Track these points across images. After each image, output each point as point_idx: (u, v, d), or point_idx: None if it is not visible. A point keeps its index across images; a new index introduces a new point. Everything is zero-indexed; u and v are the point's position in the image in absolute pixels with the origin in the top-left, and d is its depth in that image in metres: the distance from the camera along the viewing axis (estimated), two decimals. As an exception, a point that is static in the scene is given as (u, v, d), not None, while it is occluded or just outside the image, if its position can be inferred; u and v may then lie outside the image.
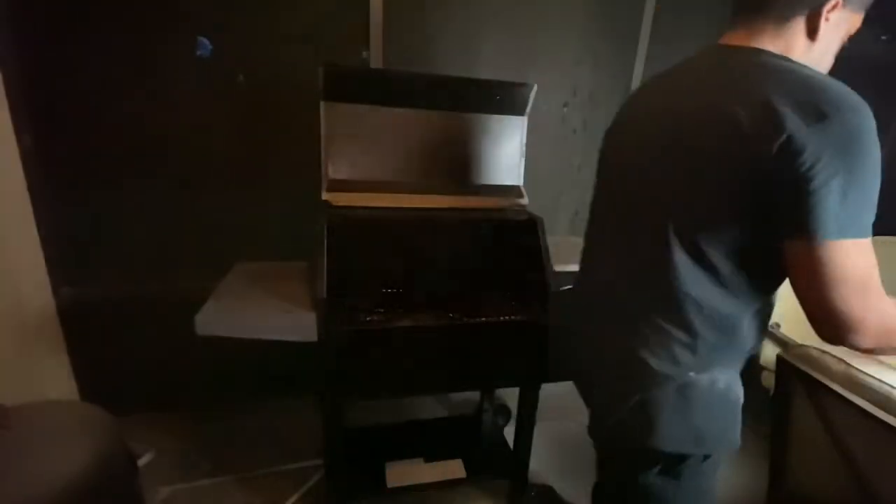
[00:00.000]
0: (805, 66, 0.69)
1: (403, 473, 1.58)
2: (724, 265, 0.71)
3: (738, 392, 0.82)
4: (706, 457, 0.83)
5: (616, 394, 0.82)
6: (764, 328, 0.83)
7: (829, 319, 0.65)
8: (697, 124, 0.71)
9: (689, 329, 0.75)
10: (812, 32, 0.72)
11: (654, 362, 0.77)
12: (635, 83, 2.15)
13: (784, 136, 0.60)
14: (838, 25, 0.74)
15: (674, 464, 0.82)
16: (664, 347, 0.77)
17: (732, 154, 0.66)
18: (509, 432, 1.72)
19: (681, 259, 0.73)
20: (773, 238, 0.67)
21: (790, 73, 0.67)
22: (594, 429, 0.92)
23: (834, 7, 0.70)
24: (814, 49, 0.73)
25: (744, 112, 0.64)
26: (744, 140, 0.64)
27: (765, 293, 0.77)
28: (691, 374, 0.77)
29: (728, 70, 0.73)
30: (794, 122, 0.60)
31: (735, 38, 0.75)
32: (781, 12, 0.71)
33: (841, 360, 1.08)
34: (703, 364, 0.77)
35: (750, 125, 0.63)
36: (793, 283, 0.68)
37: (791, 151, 0.60)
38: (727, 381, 0.80)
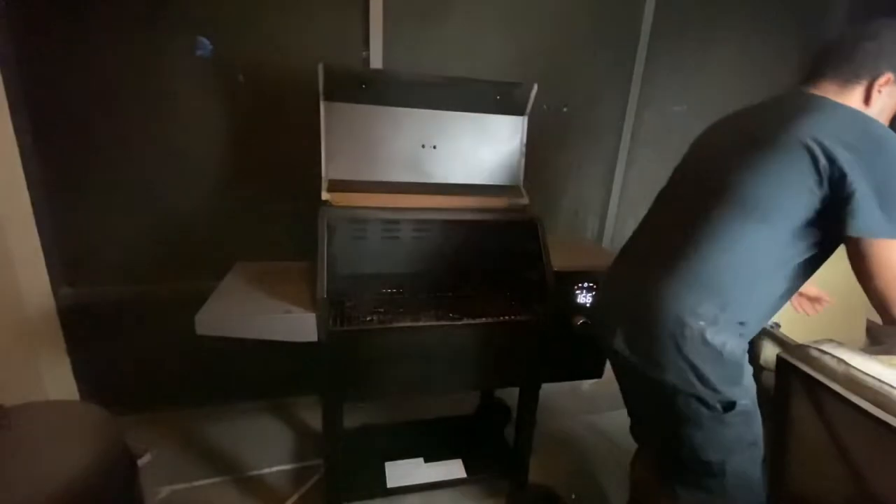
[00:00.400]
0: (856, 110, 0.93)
1: (403, 473, 1.58)
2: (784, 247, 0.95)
3: (736, 348, 0.98)
4: (728, 406, 0.98)
5: (644, 328, 1.01)
6: (776, 310, 1.06)
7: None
8: (774, 138, 0.93)
9: (721, 293, 0.96)
10: (867, 99, 0.96)
11: (682, 309, 0.96)
12: (635, 83, 2.15)
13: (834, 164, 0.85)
14: (890, 96, 0.96)
15: (692, 403, 0.98)
16: (698, 303, 0.95)
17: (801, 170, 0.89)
18: (509, 432, 1.72)
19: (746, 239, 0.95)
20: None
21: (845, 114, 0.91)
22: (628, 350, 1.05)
23: (886, 83, 0.94)
24: (869, 112, 0.95)
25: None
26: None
27: (802, 277, 1.01)
28: (701, 323, 0.95)
29: (802, 103, 0.96)
30: (842, 154, 0.84)
31: (809, 89, 1.00)
32: (846, 79, 0.96)
33: (841, 360, 1.08)
34: (718, 325, 0.95)
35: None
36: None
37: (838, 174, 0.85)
38: (724, 340, 0.96)
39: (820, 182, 0.87)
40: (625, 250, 1.21)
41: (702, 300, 0.96)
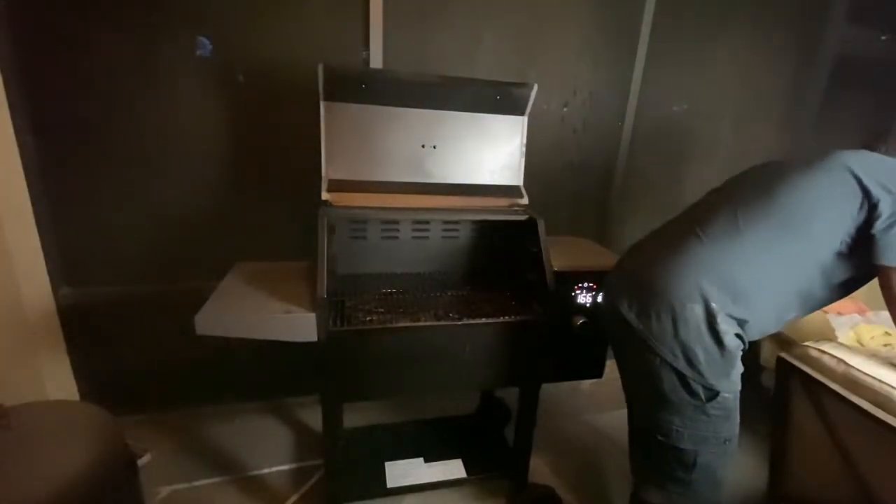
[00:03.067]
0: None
1: (403, 473, 1.58)
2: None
3: (732, 342, 1.01)
4: (711, 396, 1.02)
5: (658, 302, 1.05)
6: (778, 325, 1.12)
7: None
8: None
9: (735, 287, 1.02)
10: None
11: (692, 289, 1.01)
12: (635, 83, 2.16)
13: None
14: None
15: (676, 385, 1.03)
16: (710, 288, 1.00)
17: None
18: (509, 432, 1.72)
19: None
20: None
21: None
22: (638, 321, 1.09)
23: None
24: None
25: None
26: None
27: (814, 306, 1.10)
28: (714, 305, 0.99)
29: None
30: (875, 189, 0.97)
31: None
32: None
33: (841, 360, 1.08)
34: (723, 315, 1.00)
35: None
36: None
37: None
38: (725, 329, 1.00)
39: (860, 208, 0.97)
40: (654, 233, 1.26)
41: (715, 287, 1.00)
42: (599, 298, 1.35)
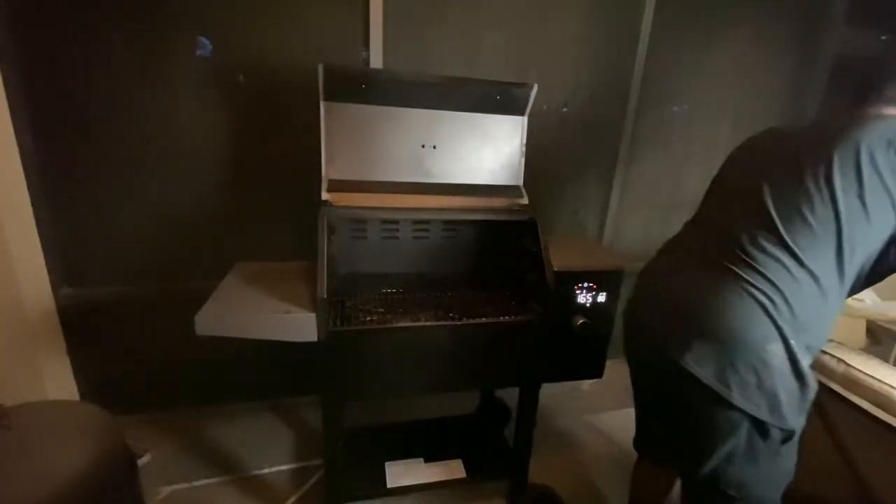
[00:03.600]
0: None
1: (403, 473, 1.58)
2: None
3: (809, 373, 0.93)
4: (787, 437, 0.93)
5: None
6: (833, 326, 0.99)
7: None
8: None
9: (799, 318, 0.91)
10: None
11: (768, 333, 0.90)
12: (635, 83, 2.15)
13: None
14: None
15: (752, 434, 0.93)
16: (784, 327, 0.89)
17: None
18: (509, 432, 1.72)
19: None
20: None
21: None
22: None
23: None
24: None
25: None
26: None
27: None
28: (792, 341, 0.90)
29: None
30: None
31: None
32: (879, 110, 0.99)
33: (841, 360, 1.08)
34: (802, 350, 0.92)
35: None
36: None
37: None
38: (806, 364, 0.92)
39: None
40: (684, 249, 1.09)
41: (785, 324, 0.88)
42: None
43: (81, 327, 1.72)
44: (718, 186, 1.16)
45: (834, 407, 1.08)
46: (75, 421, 1.16)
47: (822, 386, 1.09)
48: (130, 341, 1.79)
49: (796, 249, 0.89)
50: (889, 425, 0.94)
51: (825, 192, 0.89)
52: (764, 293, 0.89)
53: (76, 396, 1.77)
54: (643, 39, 2.11)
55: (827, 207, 0.89)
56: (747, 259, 0.93)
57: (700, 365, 0.91)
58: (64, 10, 1.47)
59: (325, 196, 1.40)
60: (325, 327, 1.21)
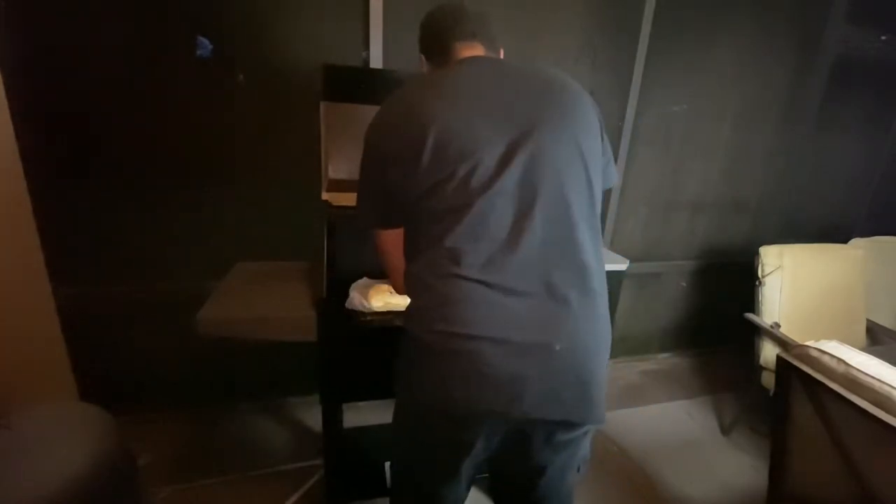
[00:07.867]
0: None
1: (403, 473, 1.58)
2: None
3: None
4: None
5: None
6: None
7: None
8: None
9: None
10: None
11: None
12: (635, 83, 2.15)
13: None
14: None
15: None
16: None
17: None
18: (509, 432, 1.72)
19: None
20: None
21: None
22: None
23: None
24: None
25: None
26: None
27: None
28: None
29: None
30: None
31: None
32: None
33: (840, 360, 1.08)
34: None
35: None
36: None
37: None
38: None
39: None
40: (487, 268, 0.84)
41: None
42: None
43: (81, 327, 1.72)
44: None
45: (834, 407, 1.08)
46: (75, 421, 1.16)
47: (822, 386, 1.09)
48: (130, 341, 1.79)
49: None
50: (889, 425, 0.94)
51: None
52: (599, 314, 0.98)
53: (76, 396, 1.77)
54: (643, 39, 2.11)
55: None
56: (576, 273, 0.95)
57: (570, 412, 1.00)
58: (64, 11, 1.47)
59: (325, 196, 1.41)
60: (325, 327, 1.21)
